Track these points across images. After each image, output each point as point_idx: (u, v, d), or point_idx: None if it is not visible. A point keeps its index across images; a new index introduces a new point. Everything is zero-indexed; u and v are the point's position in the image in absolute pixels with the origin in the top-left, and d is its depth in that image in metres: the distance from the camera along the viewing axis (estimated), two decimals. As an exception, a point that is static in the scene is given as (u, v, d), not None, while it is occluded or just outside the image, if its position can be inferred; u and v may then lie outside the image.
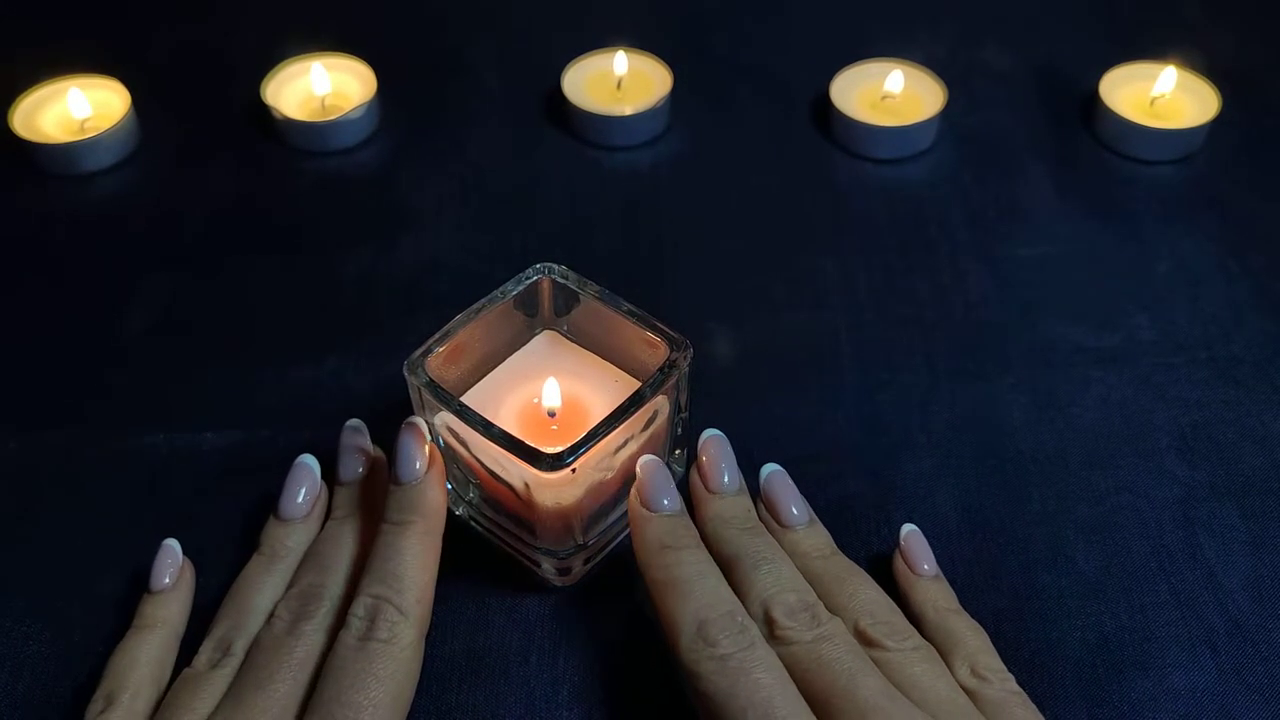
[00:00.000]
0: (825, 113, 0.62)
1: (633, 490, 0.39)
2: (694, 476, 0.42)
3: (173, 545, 0.41)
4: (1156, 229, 0.57)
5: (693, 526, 0.39)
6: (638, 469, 0.40)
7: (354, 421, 0.43)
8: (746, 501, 0.41)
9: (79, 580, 0.42)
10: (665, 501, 0.39)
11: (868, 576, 0.39)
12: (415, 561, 0.38)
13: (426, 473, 0.39)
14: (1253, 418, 0.48)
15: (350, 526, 0.40)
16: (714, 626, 0.35)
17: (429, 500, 0.39)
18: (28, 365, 0.50)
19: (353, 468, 0.42)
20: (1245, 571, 0.43)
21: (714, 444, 0.42)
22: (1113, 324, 0.52)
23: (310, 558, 0.40)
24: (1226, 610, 0.42)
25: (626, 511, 0.41)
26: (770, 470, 0.42)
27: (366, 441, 0.43)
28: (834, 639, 0.36)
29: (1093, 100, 0.62)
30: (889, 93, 0.62)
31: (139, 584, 0.42)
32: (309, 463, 0.42)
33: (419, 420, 0.40)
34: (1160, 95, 0.62)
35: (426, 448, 0.39)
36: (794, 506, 0.41)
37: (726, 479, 0.41)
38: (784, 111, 0.64)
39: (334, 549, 0.40)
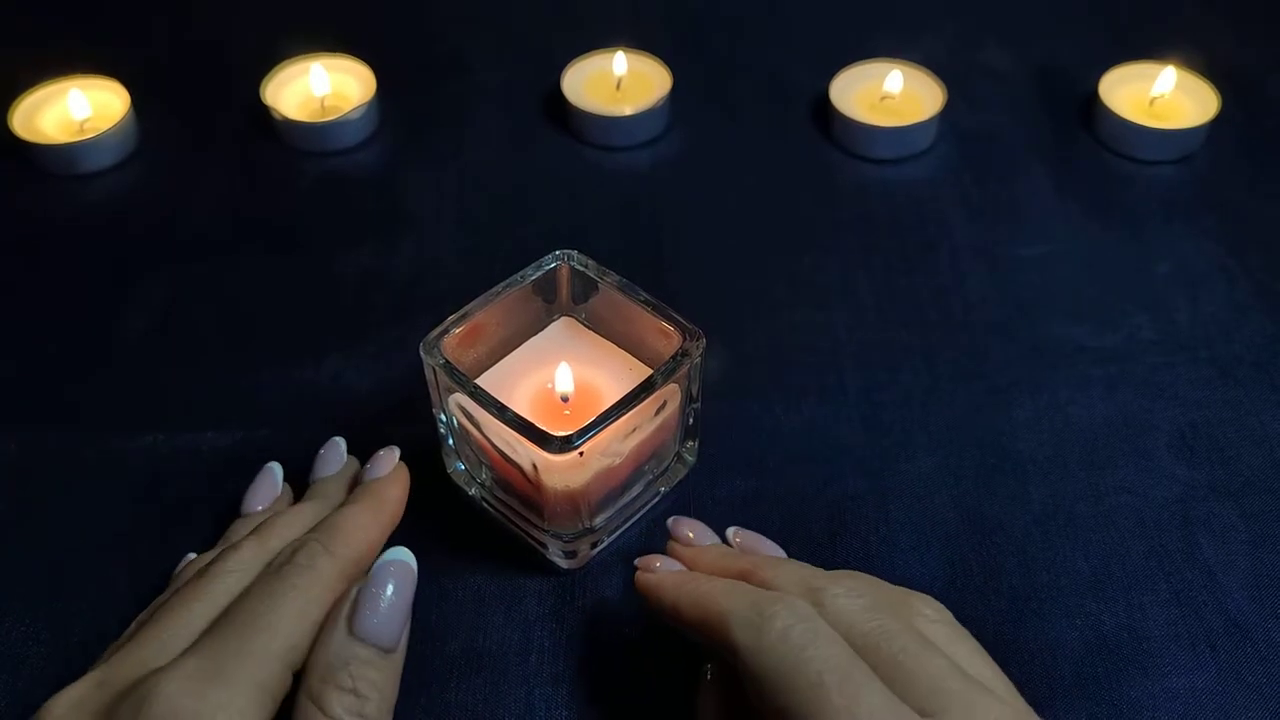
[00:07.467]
0: (825, 113, 0.62)
1: (670, 542, 0.40)
2: (673, 547, 0.40)
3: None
4: (1156, 229, 0.57)
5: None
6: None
7: (336, 438, 0.44)
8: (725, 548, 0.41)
9: (79, 580, 0.42)
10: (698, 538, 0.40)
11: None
12: (355, 522, 0.39)
13: (391, 472, 0.42)
14: (1253, 418, 0.48)
15: (301, 509, 0.41)
16: (769, 603, 0.33)
17: (387, 492, 0.41)
18: (27, 365, 0.50)
19: (322, 469, 0.43)
20: (1245, 571, 0.43)
21: (683, 522, 0.41)
22: (1113, 324, 0.52)
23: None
24: (1226, 610, 0.42)
25: (634, 497, 0.42)
26: (735, 529, 0.41)
27: (342, 449, 0.44)
28: (880, 614, 0.34)
29: (1092, 100, 0.62)
30: (888, 93, 0.62)
31: (140, 584, 0.42)
32: (274, 469, 0.44)
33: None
34: (1160, 95, 0.62)
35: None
36: (774, 549, 0.40)
37: (708, 541, 0.40)
38: (784, 111, 0.64)
39: (274, 518, 0.40)
